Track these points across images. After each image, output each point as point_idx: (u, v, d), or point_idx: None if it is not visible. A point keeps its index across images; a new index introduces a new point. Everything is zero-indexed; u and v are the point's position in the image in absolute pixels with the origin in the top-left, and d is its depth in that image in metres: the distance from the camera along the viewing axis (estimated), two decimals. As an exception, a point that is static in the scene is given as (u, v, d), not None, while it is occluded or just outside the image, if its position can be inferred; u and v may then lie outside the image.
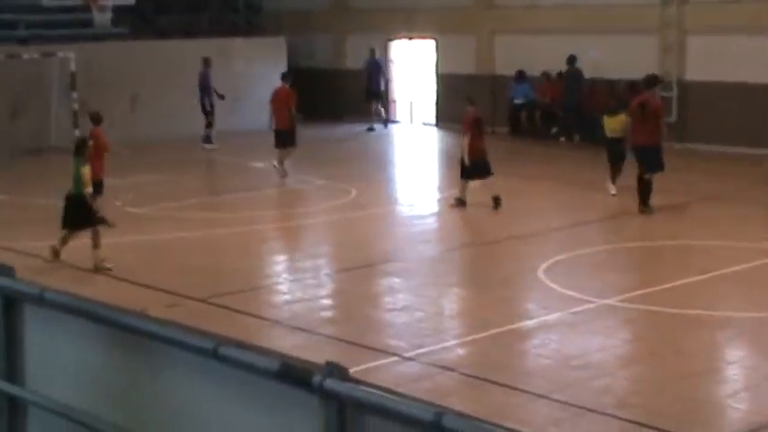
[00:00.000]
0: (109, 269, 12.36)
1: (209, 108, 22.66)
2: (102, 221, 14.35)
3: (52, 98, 22.97)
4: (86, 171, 12.52)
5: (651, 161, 14.84)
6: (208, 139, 22.73)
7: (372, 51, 26.26)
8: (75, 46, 23.24)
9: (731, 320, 10.20)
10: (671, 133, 20.90)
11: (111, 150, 14.71)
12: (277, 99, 19.14)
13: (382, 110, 25.81)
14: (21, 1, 24.69)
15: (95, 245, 12.50)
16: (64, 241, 12.64)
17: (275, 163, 18.79)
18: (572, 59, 22.53)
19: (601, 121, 16.73)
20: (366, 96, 25.88)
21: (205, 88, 22.62)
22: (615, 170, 16.20)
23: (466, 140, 15.44)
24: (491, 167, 15.43)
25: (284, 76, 19.82)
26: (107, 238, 14.32)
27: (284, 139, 18.85)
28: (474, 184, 15.65)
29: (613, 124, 16.06)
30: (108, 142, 14.64)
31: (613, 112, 16.23)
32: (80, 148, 12.71)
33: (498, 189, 15.46)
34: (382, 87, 26.04)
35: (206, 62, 22.76)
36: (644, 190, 14.95)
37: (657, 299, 10.79)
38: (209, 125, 22.75)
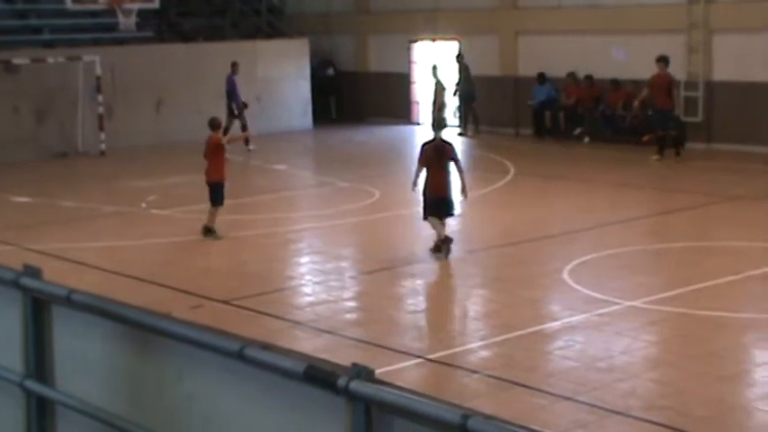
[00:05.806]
0: None
1: (236, 112, 22.56)
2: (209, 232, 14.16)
3: (78, 102, 23.10)
4: None
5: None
6: (247, 142, 22.51)
7: None
8: (100, 50, 23.39)
9: (759, 322, 10.11)
10: (698, 133, 20.94)
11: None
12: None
13: None
14: (46, 5, 24.86)
15: None
16: None
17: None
18: (460, 56, 24.82)
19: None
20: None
21: (233, 92, 22.60)
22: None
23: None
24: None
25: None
26: (125, 240, 14.39)
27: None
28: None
29: None
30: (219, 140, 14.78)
31: None
32: None
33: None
34: None
35: (234, 67, 22.74)
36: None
37: (684, 300, 10.71)
38: (245, 128, 22.41)
